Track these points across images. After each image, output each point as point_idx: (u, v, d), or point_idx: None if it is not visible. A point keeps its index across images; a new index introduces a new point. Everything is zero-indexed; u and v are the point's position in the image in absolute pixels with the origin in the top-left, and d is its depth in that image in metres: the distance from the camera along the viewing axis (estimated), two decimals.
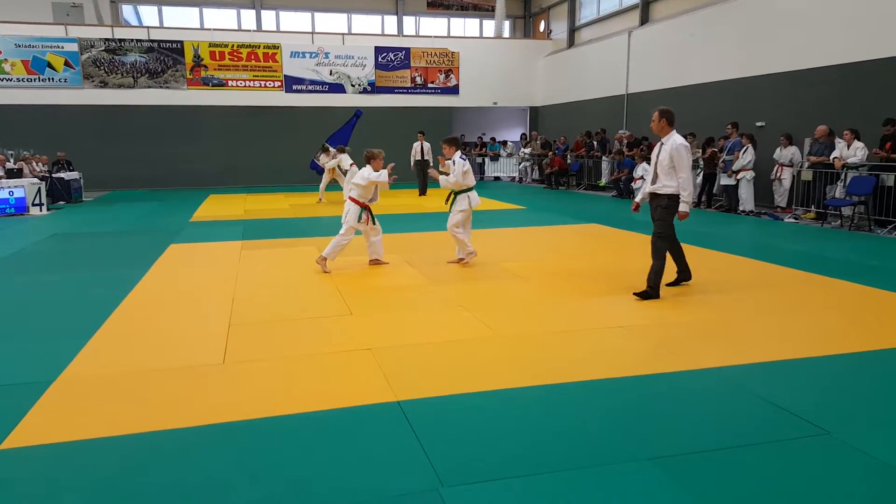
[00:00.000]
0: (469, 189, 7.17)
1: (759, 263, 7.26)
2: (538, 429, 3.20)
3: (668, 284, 5.93)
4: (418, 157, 16.22)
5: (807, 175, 11.00)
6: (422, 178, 16.09)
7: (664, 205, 5.66)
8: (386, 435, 3.14)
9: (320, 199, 14.42)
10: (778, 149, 11.63)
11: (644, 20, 16.78)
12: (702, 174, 13.08)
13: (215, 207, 13.90)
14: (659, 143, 5.73)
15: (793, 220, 10.91)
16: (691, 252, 7.97)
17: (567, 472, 2.76)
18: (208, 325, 4.98)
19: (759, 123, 12.72)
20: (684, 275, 6.12)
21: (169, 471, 2.81)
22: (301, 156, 17.95)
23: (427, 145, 16.27)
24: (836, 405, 3.46)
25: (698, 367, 4.01)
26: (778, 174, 11.69)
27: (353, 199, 7.10)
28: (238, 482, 2.71)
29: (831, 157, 10.39)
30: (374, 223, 7.17)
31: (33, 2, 18.11)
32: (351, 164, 13.89)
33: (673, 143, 5.54)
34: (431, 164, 16.04)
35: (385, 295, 5.97)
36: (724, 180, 12.25)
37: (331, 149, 14.46)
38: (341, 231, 7.03)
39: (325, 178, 14.37)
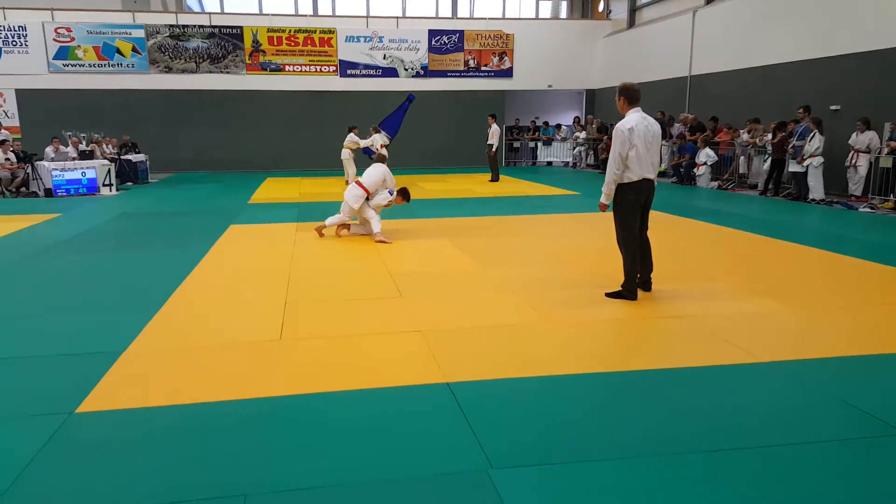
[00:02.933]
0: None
1: (829, 254, 6.94)
2: (589, 416, 3.15)
3: (607, 294, 5.24)
4: (491, 142, 15.75)
5: (886, 162, 10.39)
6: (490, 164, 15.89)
7: (616, 197, 5.10)
8: (435, 415, 3.15)
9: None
10: (854, 134, 10.99)
11: None
12: (769, 160, 12.55)
13: (272, 190, 14.22)
14: None
15: (868, 210, 10.35)
16: (756, 241, 7.72)
17: (619, 461, 2.72)
18: (266, 303, 5.12)
19: (833, 107, 12.08)
20: (643, 285, 5.32)
21: (227, 439, 2.91)
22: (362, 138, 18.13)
23: (494, 128, 15.73)
24: None
25: (759, 360, 3.86)
26: (853, 161, 11.03)
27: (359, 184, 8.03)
28: (291, 454, 2.78)
29: None
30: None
31: None
32: (382, 145, 14.01)
33: None
34: (495, 149, 15.86)
35: (435, 278, 5.99)
36: (793, 167, 11.72)
37: (381, 133, 14.57)
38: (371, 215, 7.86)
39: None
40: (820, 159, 11.21)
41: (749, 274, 6.07)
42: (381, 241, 7.65)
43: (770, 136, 12.53)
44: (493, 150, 15.75)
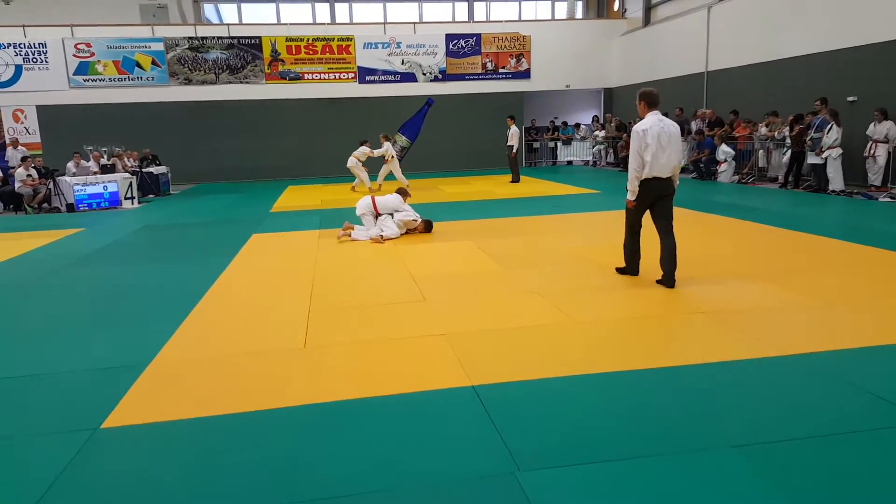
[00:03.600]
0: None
1: (849, 245, 6.84)
2: (617, 415, 3.15)
3: (617, 269, 5.95)
4: (511, 143, 15.71)
5: None
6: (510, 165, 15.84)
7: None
8: (461, 418, 3.17)
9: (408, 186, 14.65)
10: (872, 124, 10.85)
11: None
12: (789, 153, 12.39)
13: (294, 198, 14.34)
14: None
15: (889, 199, 10.19)
16: (778, 234, 7.63)
17: (647, 459, 2.72)
18: (290, 311, 5.17)
19: (850, 98, 11.90)
20: (667, 281, 5.44)
21: (256, 449, 2.94)
22: (374, 146, 18.08)
23: (513, 129, 15.73)
24: None
25: (784, 352, 3.83)
26: (872, 151, 10.90)
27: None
28: (318, 462, 2.81)
29: None
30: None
31: (122, 4, 19.09)
32: (392, 156, 14.08)
33: None
34: (515, 151, 15.79)
35: (458, 281, 6.00)
36: (812, 159, 11.57)
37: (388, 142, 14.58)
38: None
39: (389, 169, 14.43)
40: (839, 150, 11.06)
41: (772, 267, 6.00)
42: (375, 240, 8.14)
43: (788, 128, 12.38)
44: (514, 151, 15.71)
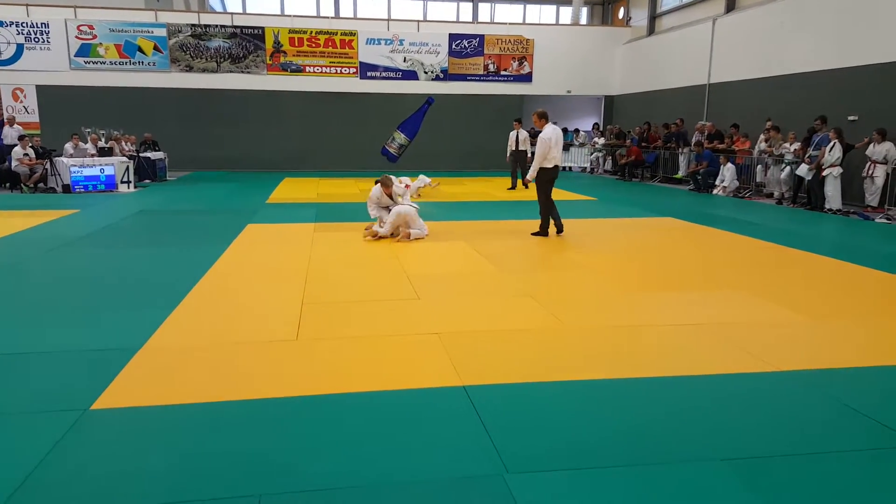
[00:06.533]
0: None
1: (845, 264, 6.87)
2: (606, 422, 3.15)
3: (532, 233, 8.46)
4: (514, 148, 14.92)
5: None
6: (514, 170, 14.96)
7: (538, 176, 8.32)
8: (451, 418, 3.16)
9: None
10: (871, 144, 10.93)
11: (730, 7, 16.05)
12: (787, 168, 12.47)
13: (290, 190, 14.31)
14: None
15: (885, 221, 10.25)
16: (772, 250, 7.68)
17: (634, 468, 2.72)
18: (283, 303, 5.15)
19: (851, 117, 11.98)
20: (554, 229, 8.49)
21: (242, 439, 2.93)
22: (373, 142, 18.11)
23: (524, 134, 14.96)
24: None
25: (775, 368, 3.84)
26: (870, 171, 10.97)
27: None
28: (306, 455, 2.80)
29: None
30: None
31: None
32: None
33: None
34: (530, 155, 15.34)
35: (452, 281, 6.00)
36: (801, 172, 11.64)
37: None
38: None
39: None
40: (839, 169, 11.12)
41: (765, 282, 6.02)
42: (375, 235, 8.11)
43: (788, 144, 12.47)
44: (529, 154, 15.31)
